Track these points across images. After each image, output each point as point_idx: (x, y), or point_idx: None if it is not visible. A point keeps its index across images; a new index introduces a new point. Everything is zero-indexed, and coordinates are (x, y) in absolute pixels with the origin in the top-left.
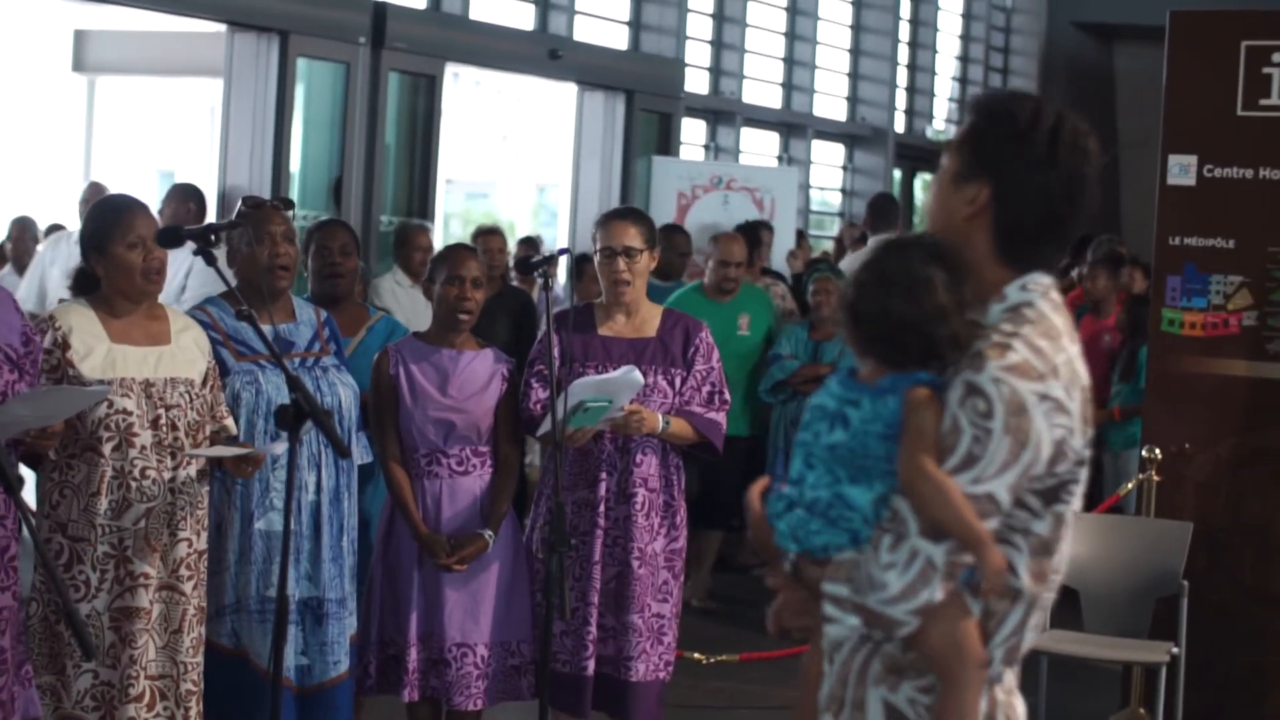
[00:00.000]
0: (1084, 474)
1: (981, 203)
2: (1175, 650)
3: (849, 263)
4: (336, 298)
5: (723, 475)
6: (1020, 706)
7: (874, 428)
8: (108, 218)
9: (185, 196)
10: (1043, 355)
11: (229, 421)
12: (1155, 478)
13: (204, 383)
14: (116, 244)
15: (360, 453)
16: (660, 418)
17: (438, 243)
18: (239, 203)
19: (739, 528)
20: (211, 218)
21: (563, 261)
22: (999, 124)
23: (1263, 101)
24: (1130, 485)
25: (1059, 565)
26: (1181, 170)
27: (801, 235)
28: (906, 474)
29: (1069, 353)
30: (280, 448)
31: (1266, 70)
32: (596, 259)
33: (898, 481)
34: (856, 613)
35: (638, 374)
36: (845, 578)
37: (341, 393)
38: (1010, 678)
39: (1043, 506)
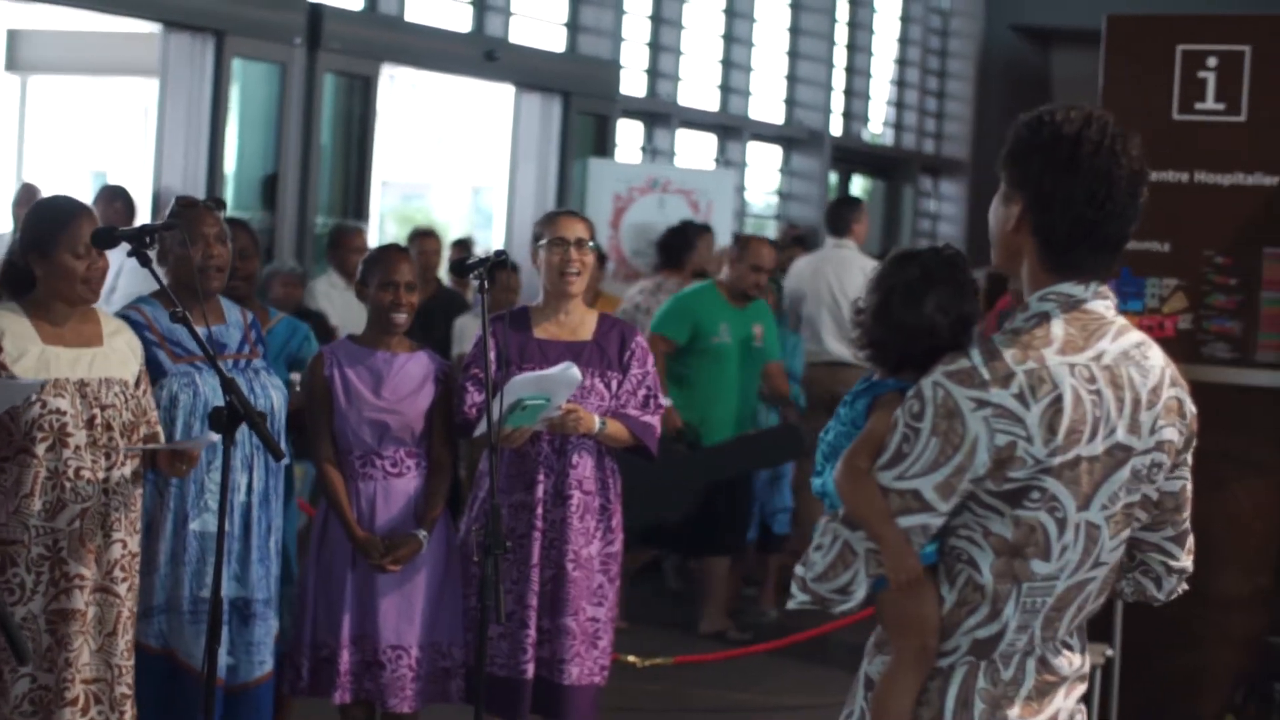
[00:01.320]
0: (1061, 483)
1: (1019, 216)
2: (1110, 653)
3: (796, 271)
4: (237, 299)
5: (719, 497)
6: (1015, 713)
7: (846, 426)
8: (55, 221)
9: (112, 197)
10: (997, 363)
11: (159, 429)
12: None
13: (136, 384)
14: (62, 250)
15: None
16: (597, 418)
17: (373, 244)
18: (172, 202)
19: (739, 546)
20: (145, 218)
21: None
22: (1028, 137)
23: (1198, 105)
24: None
25: (1050, 572)
26: None
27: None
28: (838, 465)
29: (1046, 363)
30: (215, 435)
31: (1201, 74)
32: (542, 254)
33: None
34: (804, 590)
35: (576, 371)
36: (804, 559)
37: (273, 395)
38: (1024, 682)
39: (1007, 508)
